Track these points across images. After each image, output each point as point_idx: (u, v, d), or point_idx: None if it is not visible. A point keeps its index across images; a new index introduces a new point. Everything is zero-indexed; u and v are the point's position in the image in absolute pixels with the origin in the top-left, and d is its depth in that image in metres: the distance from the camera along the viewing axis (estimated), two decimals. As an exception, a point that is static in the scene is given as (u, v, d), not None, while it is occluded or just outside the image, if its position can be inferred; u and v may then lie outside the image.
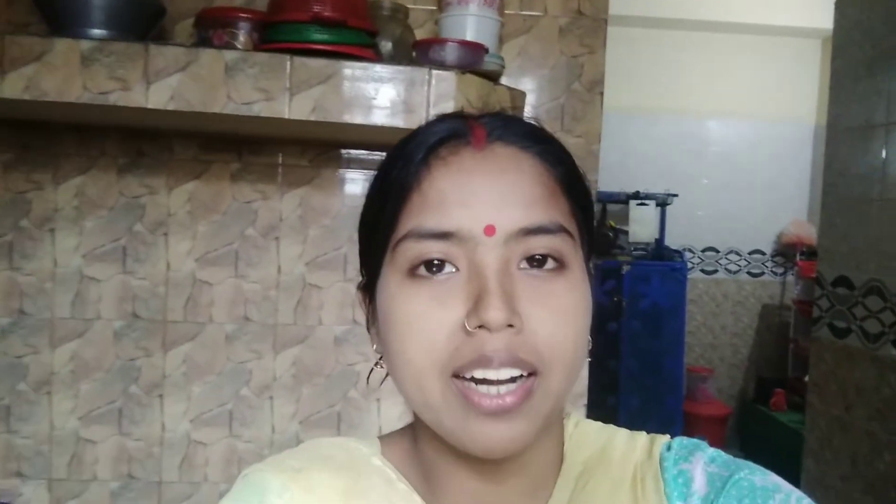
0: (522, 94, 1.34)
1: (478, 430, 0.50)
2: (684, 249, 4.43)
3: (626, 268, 3.93)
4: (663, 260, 4.10)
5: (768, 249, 4.63)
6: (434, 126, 0.56)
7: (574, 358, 0.52)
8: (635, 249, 4.13)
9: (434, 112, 1.12)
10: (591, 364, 1.46)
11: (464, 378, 0.50)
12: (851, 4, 2.47)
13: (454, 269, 0.51)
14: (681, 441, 0.61)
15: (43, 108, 1.15)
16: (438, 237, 0.51)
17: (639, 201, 4.09)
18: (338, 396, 1.41)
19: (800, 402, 3.75)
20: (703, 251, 4.61)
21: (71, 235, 1.34)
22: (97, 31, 1.13)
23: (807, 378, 2.75)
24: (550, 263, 0.52)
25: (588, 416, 0.69)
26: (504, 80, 1.34)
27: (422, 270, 0.52)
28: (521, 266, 0.52)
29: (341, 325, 1.41)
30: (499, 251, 0.51)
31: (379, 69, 1.14)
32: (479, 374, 0.49)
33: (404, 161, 0.54)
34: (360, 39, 1.18)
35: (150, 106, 1.08)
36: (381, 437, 0.64)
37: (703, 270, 4.60)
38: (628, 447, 0.62)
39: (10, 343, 1.34)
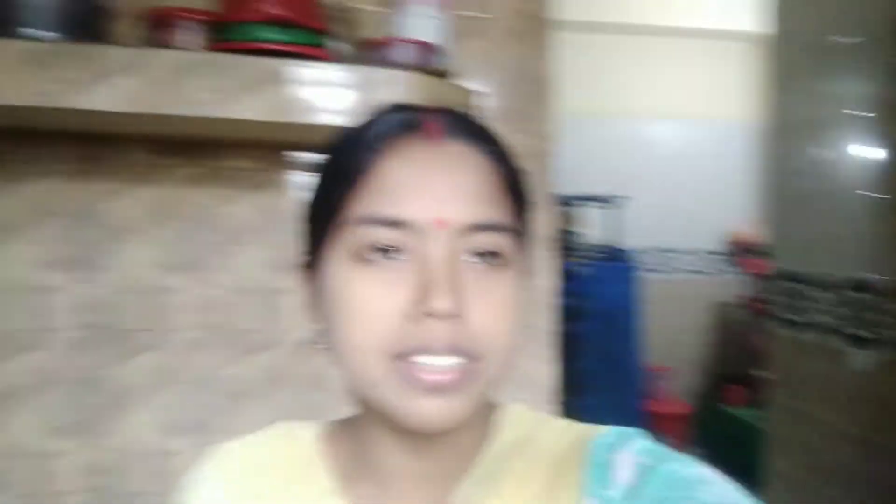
0: (474, 93, 1.37)
1: (417, 404, 0.53)
2: (638, 250, 4.50)
3: (581, 270, 3.99)
4: (618, 261, 4.17)
5: (721, 248, 4.73)
6: (388, 116, 0.58)
7: (509, 348, 0.56)
8: (590, 251, 4.19)
9: (386, 108, 1.14)
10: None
11: (406, 360, 0.53)
12: (791, 5, 2.57)
13: (403, 257, 0.54)
14: (619, 431, 0.62)
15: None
16: (391, 225, 0.53)
17: (591, 204, 4.16)
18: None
19: (757, 397, 3.83)
20: (658, 251, 4.69)
21: (27, 244, 1.32)
22: (39, 33, 1.11)
23: (763, 374, 2.82)
24: (493, 259, 0.55)
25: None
26: (455, 82, 1.37)
27: (371, 255, 0.54)
28: (466, 258, 0.54)
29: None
30: (448, 243, 0.53)
31: (331, 69, 1.15)
32: (421, 359, 0.53)
33: (359, 147, 0.56)
34: (312, 39, 1.20)
35: (100, 108, 1.07)
36: (329, 422, 0.69)
37: (657, 270, 4.68)
38: (559, 434, 0.64)
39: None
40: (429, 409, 0.53)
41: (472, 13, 1.44)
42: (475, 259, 0.55)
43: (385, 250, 0.54)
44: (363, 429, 0.62)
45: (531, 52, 1.46)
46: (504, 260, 0.56)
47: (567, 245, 4.10)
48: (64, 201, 1.34)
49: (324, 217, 0.57)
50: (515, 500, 0.59)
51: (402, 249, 0.54)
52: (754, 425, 3.65)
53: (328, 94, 1.14)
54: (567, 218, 4.20)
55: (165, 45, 1.17)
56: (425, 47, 1.27)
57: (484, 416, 0.64)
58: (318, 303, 0.59)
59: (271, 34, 1.16)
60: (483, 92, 1.44)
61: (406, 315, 0.52)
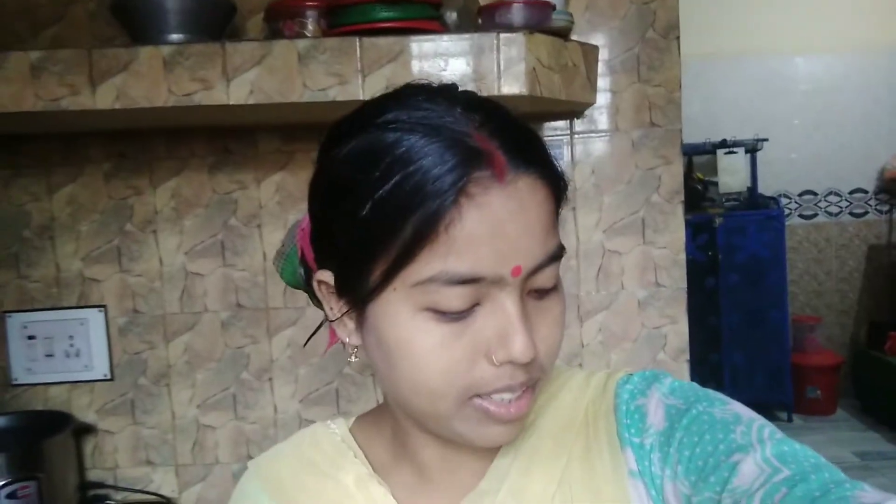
0: (595, 49, 1.31)
1: (490, 432, 0.55)
2: (780, 195, 4.26)
3: (718, 220, 3.82)
4: (758, 208, 3.96)
5: (870, 187, 4.39)
6: (450, 150, 0.50)
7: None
8: (727, 200, 4.00)
9: (506, 75, 1.11)
10: (690, 321, 1.43)
11: (483, 397, 0.54)
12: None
13: (477, 305, 0.52)
14: (641, 374, 0.62)
15: (133, 116, 1.21)
16: (468, 282, 0.50)
17: (726, 150, 3.95)
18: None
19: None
20: (800, 195, 4.41)
21: (172, 235, 1.41)
22: (175, 36, 1.18)
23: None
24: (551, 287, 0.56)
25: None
26: (574, 37, 1.32)
27: (444, 308, 0.51)
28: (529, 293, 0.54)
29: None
30: (519, 287, 0.52)
31: (446, 39, 1.14)
32: (499, 397, 0.54)
33: (426, 189, 0.49)
34: (426, 13, 1.19)
35: (231, 102, 1.11)
36: (361, 415, 0.71)
37: (801, 216, 4.41)
38: (582, 387, 0.64)
39: (129, 341, 1.42)
40: (500, 435, 0.56)
41: (588, -35, 1.38)
42: (537, 292, 0.55)
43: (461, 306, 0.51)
44: (398, 422, 0.63)
45: (653, -2, 1.38)
46: (557, 282, 0.56)
47: (702, 196, 3.93)
48: (203, 193, 1.41)
49: (382, 254, 0.51)
50: (556, 462, 0.60)
51: (478, 300, 0.52)
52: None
53: (447, 64, 1.13)
54: (702, 167, 4.01)
55: (286, 36, 1.19)
56: (542, 6, 1.22)
57: None
58: (365, 336, 0.57)
59: (386, 13, 1.16)
60: (605, 44, 1.39)
61: (485, 360, 0.52)
